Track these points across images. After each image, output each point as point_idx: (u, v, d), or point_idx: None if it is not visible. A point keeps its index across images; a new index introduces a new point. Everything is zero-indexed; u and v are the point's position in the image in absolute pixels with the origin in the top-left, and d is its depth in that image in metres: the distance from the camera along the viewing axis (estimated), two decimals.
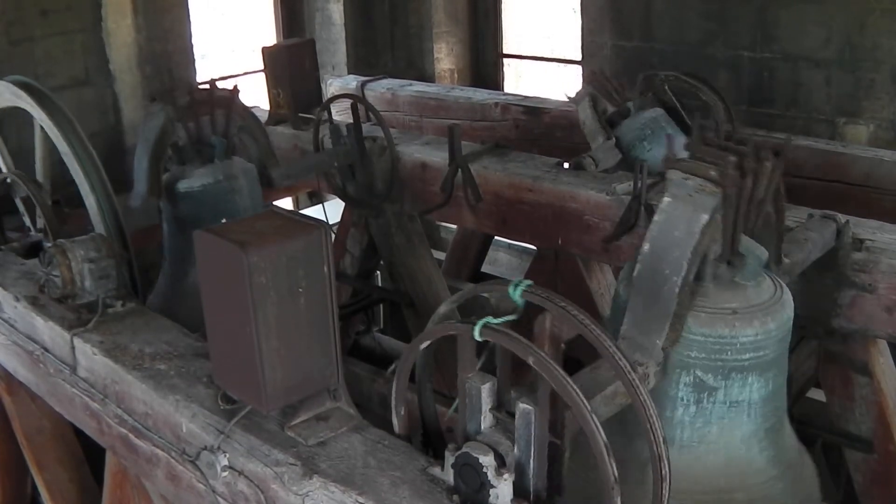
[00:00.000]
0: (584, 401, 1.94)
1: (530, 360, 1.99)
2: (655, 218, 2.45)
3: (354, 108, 4.53)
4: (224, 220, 3.77)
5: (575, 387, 1.95)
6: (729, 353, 2.44)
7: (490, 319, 2.07)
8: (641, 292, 2.44)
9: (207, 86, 4.15)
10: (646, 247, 2.45)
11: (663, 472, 2.01)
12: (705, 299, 2.48)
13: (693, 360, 2.45)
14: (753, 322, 2.44)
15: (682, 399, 2.47)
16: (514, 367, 2.12)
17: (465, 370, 2.13)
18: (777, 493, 2.54)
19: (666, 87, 4.60)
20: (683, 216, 2.41)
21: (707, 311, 2.45)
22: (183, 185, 3.99)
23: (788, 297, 2.57)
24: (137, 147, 4.10)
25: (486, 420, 2.11)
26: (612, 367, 2.07)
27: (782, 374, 2.59)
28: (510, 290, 2.09)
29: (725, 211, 2.44)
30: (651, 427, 2.01)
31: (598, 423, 1.95)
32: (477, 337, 2.06)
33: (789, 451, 2.67)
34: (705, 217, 2.39)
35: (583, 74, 6.79)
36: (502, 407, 2.12)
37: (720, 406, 2.48)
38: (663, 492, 2.01)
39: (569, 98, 4.71)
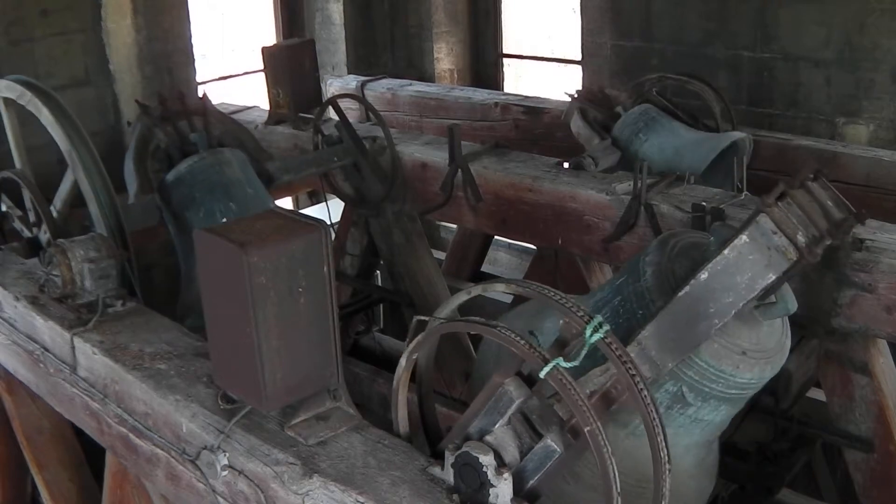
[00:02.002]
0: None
1: (585, 429, 1.94)
2: (725, 252, 2.36)
3: (336, 106, 4.59)
4: (220, 194, 3.82)
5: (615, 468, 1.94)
6: (720, 385, 2.49)
7: (561, 362, 2.00)
8: (677, 315, 2.38)
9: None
10: (703, 275, 2.37)
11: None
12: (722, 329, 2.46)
13: (686, 377, 2.49)
14: (754, 368, 2.49)
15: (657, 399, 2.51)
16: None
17: (501, 375, 2.12)
18: (685, 490, 2.66)
19: (654, 91, 4.70)
20: (752, 265, 2.34)
21: (719, 343, 2.44)
22: (171, 175, 3.96)
23: (788, 342, 2.63)
24: (125, 158, 4.15)
25: (502, 421, 2.12)
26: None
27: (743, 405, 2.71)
28: (587, 332, 2.02)
29: (788, 272, 2.38)
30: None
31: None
32: (542, 375, 2.01)
33: (710, 462, 2.83)
34: (772, 277, 2.34)
35: (582, 77, 6.79)
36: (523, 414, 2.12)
37: (685, 419, 2.56)
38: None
39: (562, 117, 4.83)
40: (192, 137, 4.08)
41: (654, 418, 2.01)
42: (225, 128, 4.31)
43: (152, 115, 4.10)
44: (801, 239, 2.35)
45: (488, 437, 2.11)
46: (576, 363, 2.02)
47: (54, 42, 5.20)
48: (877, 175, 4.49)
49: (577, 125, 4.78)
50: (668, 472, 2.01)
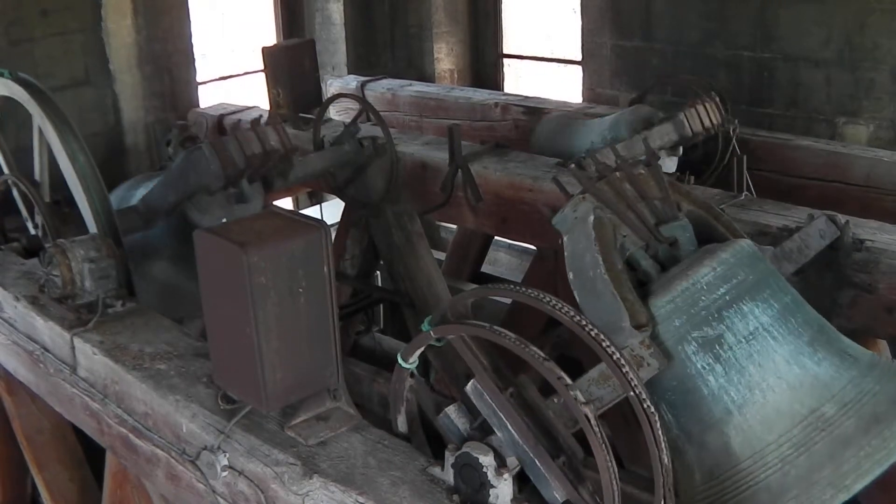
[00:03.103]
0: (516, 336, 2.03)
1: (433, 335, 2.14)
2: (565, 255, 2.65)
3: (371, 108, 4.51)
4: None
5: (504, 330, 2.03)
6: (703, 298, 2.42)
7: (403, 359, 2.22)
8: (587, 304, 2.50)
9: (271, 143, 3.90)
10: (570, 275, 2.59)
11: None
12: (660, 281, 2.51)
13: (680, 327, 2.42)
14: (704, 262, 2.45)
15: (704, 367, 2.41)
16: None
17: (429, 411, 2.29)
18: (870, 388, 2.42)
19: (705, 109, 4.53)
20: (578, 232, 2.60)
21: (656, 283, 2.50)
22: (193, 215, 3.85)
23: (741, 240, 2.59)
24: (172, 179, 3.89)
25: (474, 437, 2.13)
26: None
27: (782, 292, 2.53)
28: (423, 326, 2.22)
29: (613, 208, 2.59)
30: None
31: (539, 352, 2.01)
32: (405, 364, 2.23)
33: (860, 354, 2.55)
34: (590, 218, 2.57)
35: (582, 77, 6.79)
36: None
37: (739, 347, 2.41)
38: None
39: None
40: (243, 186, 3.90)
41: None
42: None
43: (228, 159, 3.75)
44: (574, 189, 2.72)
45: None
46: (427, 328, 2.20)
47: (54, 42, 5.20)
48: (877, 175, 4.49)
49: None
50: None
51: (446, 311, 2.20)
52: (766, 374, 2.41)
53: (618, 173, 2.67)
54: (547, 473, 2.02)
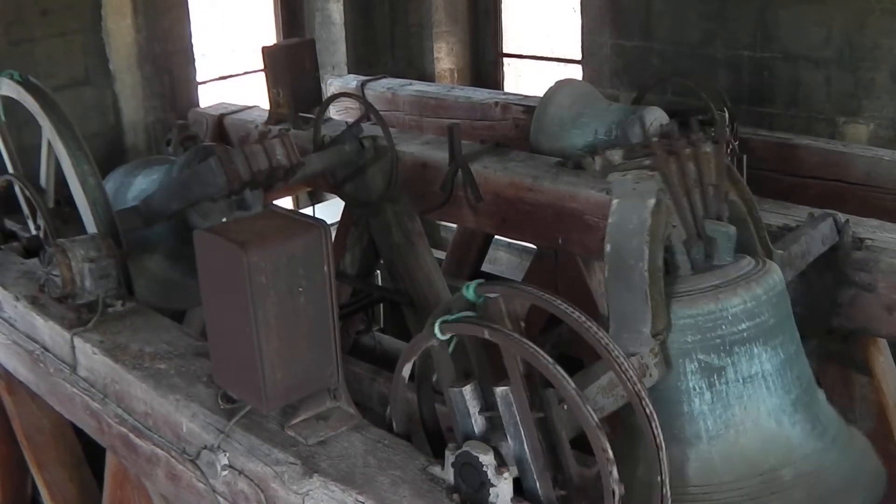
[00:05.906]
0: (552, 362, 1.97)
1: (486, 334, 2.05)
2: (609, 220, 2.54)
3: (369, 106, 4.46)
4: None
5: (541, 352, 1.98)
6: (723, 327, 2.43)
7: (447, 317, 2.13)
8: (615, 288, 2.48)
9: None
10: (608, 247, 2.52)
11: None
12: (686, 285, 2.50)
13: (691, 344, 2.44)
14: (738, 291, 2.46)
15: (695, 388, 2.45)
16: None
17: (444, 379, 2.17)
18: (828, 465, 2.49)
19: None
20: (632, 208, 2.50)
21: (690, 294, 2.47)
22: (194, 219, 3.79)
23: (774, 267, 2.59)
24: (176, 188, 3.85)
25: (478, 423, 2.12)
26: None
27: (792, 341, 2.56)
28: (464, 291, 2.16)
29: (672, 193, 2.52)
30: (637, 394, 2.02)
31: (567, 377, 1.98)
32: (439, 335, 2.12)
33: (830, 423, 2.61)
34: (651, 201, 2.48)
35: (582, 77, 6.79)
36: (491, 408, 2.12)
37: (734, 385, 2.45)
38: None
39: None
40: (247, 195, 3.82)
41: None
42: None
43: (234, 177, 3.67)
44: (646, 161, 2.59)
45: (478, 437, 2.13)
46: (467, 314, 2.15)
47: (54, 42, 5.20)
48: (877, 174, 4.49)
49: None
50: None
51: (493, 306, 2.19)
52: (746, 419, 2.45)
53: (688, 150, 2.60)
54: (544, 497, 2.04)
